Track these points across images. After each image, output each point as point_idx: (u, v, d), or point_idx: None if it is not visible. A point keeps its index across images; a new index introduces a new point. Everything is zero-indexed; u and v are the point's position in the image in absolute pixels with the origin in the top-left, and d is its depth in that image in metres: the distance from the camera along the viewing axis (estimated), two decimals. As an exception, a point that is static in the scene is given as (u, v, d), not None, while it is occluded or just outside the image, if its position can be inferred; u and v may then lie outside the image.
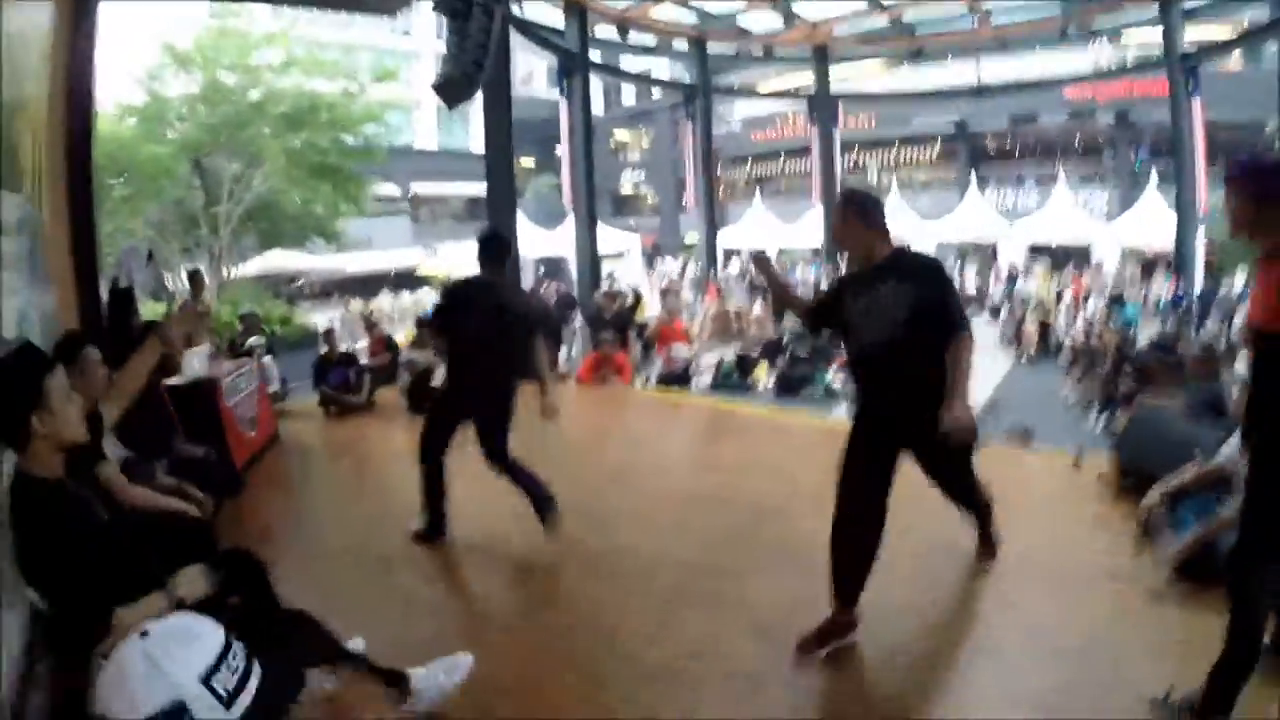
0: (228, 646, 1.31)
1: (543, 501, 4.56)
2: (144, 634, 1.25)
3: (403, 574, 4.34)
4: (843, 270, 22.41)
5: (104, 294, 5.94)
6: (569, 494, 5.63)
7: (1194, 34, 18.40)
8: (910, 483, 3.48)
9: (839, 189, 22.72)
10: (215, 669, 1.26)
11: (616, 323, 11.64)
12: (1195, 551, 3.64)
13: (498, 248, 4.99)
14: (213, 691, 1.25)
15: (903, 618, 3.62)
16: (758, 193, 31.78)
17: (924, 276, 3.36)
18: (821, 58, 21.83)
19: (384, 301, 25.29)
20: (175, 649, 1.25)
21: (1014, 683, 3.10)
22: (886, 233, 3.46)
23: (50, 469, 2.25)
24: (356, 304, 24.51)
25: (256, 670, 1.33)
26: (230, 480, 5.27)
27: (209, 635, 1.29)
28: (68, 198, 5.35)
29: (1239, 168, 2.59)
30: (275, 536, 4.84)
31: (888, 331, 3.27)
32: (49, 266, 4.48)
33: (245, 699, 1.27)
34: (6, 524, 2.19)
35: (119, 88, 16.97)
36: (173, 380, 5.78)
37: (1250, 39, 19.38)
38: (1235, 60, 24.46)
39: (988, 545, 4.05)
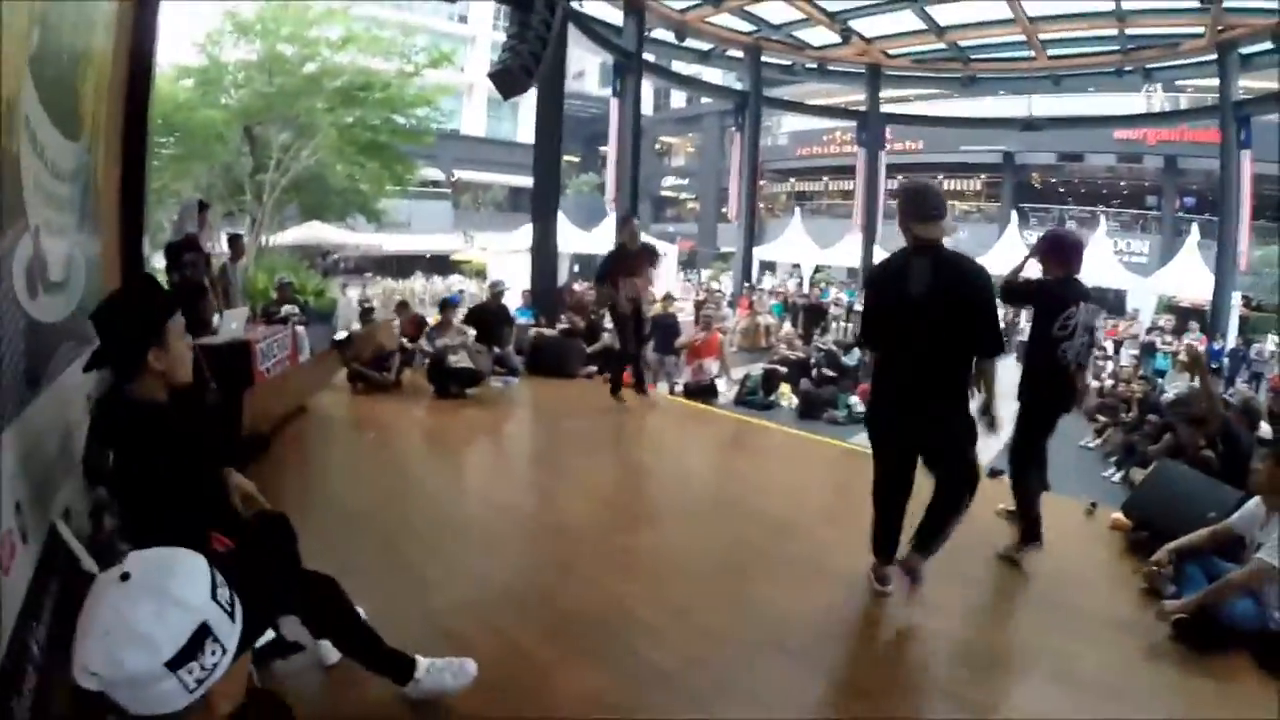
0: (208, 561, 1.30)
1: None
2: (125, 576, 1.18)
3: (412, 549, 4.35)
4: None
5: (149, 249, 6.02)
6: (594, 490, 5.72)
7: (1249, 83, 18.16)
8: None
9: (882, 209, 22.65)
10: (214, 584, 1.25)
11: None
12: (1196, 614, 3.56)
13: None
14: (220, 606, 1.23)
15: (903, 646, 3.61)
16: (797, 210, 31.69)
17: None
18: (874, 76, 21.75)
19: (416, 284, 25.46)
20: (174, 577, 1.21)
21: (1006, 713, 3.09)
22: None
23: (158, 398, 2.38)
24: (389, 283, 24.76)
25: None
26: (258, 440, 5.33)
27: (190, 556, 1.27)
28: (122, 151, 5.42)
29: None
30: (291, 500, 4.89)
31: None
32: (98, 215, 4.54)
33: (239, 611, 1.27)
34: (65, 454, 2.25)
35: (178, 49, 17.16)
36: (207, 339, 5.81)
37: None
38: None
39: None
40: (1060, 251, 4.68)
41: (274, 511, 2.91)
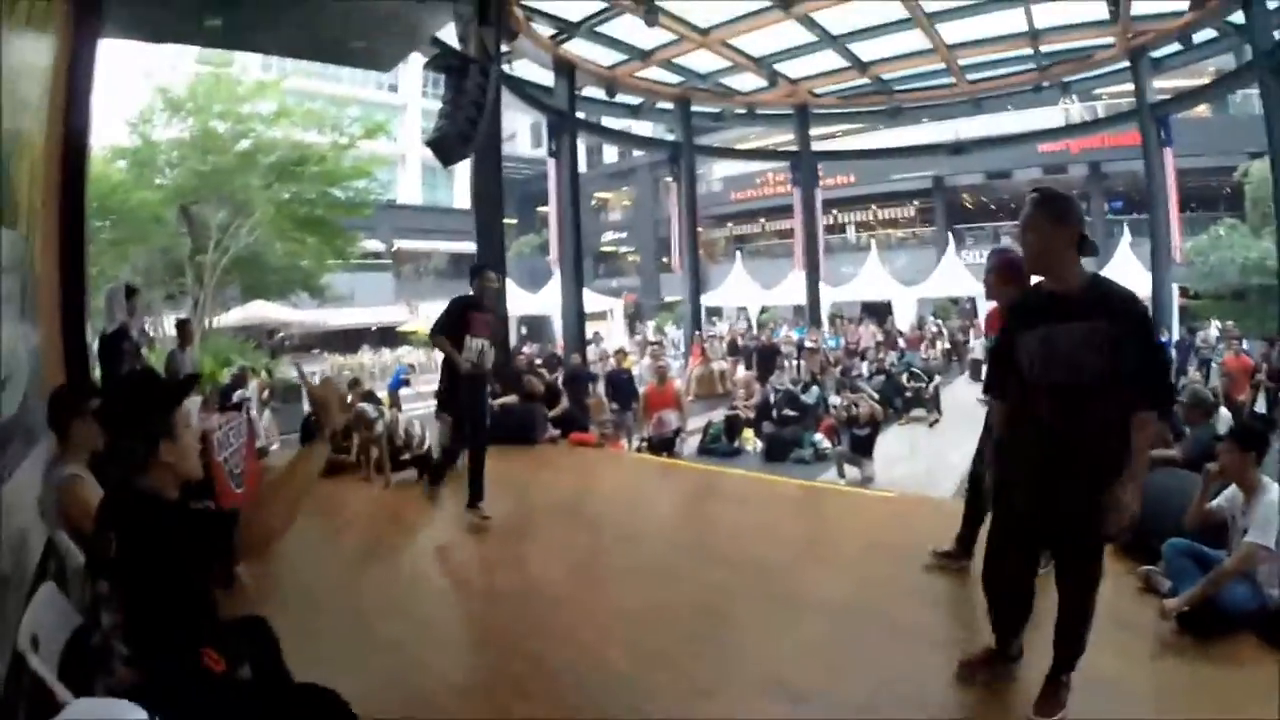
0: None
1: None
2: None
3: (390, 628, 4.24)
4: (825, 332, 22.23)
5: (90, 336, 5.85)
6: (567, 552, 5.61)
7: (1164, 84, 18.84)
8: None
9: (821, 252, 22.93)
10: None
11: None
12: (1198, 605, 3.64)
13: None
14: None
15: (899, 660, 3.55)
16: (738, 254, 32.06)
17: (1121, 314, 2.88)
18: (803, 116, 22.12)
19: (365, 357, 25.21)
20: None
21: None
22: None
23: (167, 494, 2.27)
24: (337, 359, 24.50)
25: None
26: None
27: (126, 712, 1.18)
28: (59, 237, 5.28)
29: None
30: (263, 601, 4.68)
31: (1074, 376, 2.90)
32: (37, 305, 4.39)
33: None
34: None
35: (110, 129, 16.95)
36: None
37: (1217, 86, 19.65)
38: (1204, 108, 25.10)
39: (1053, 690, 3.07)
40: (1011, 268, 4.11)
41: (252, 616, 2.78)
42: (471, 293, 6.47)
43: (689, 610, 4.34)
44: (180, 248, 18.50)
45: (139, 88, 17.57)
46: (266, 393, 12.12)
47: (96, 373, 6.40)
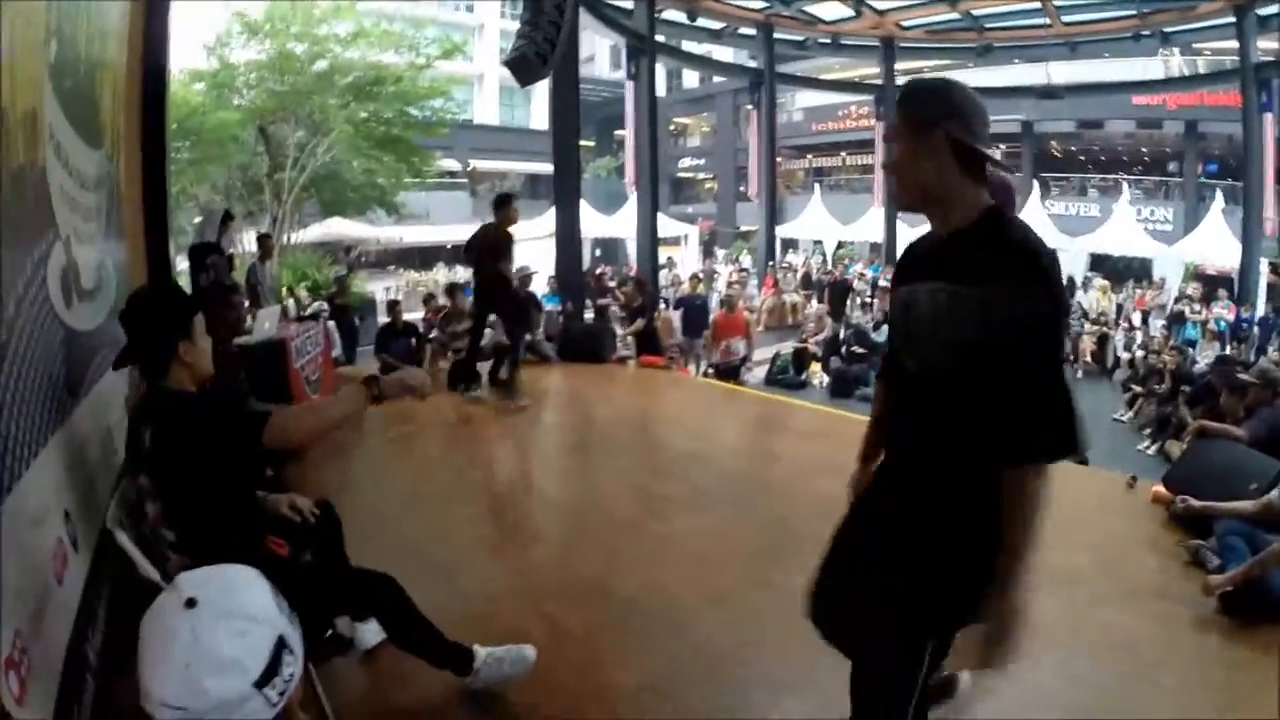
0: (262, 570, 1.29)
1: None
2: (190, 603, 1.14)
3: (454, 539, 4.39)
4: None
5: (173, 252, 6.08)
6: (630, 476, 5.71)
7: (1269, 45, 17.66)
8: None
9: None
10: (274, 593, 1.24)
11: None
12: (1242, 585, 3.52)
13: None
14: (286, 614, 1.22)
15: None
16: (816, 187, 31.44)
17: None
18: (889, 49, 21.50)
19: (439, 275, 25.54)
20: (242, 593, 1.19)
21: (1050, 688, 3.05)
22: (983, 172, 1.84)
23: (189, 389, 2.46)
24: (412, 275, 24.86)
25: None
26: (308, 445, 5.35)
27: (245, 570, 1.26)
28: (142, 158, 5.47)
29: None
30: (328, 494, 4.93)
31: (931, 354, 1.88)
32: (123, 222, 4.58)
33: (296, 618, 1.26)
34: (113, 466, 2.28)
35: (188, 54, 17.25)
36: (242, 339, 5.85)
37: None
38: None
39: None
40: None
41: (318, 499, 2.97)
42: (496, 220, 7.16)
43: (749, 544, 4.39)
44: (258, 166, 18.85)
45: (216, 12, 17.71)
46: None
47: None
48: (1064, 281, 1.72)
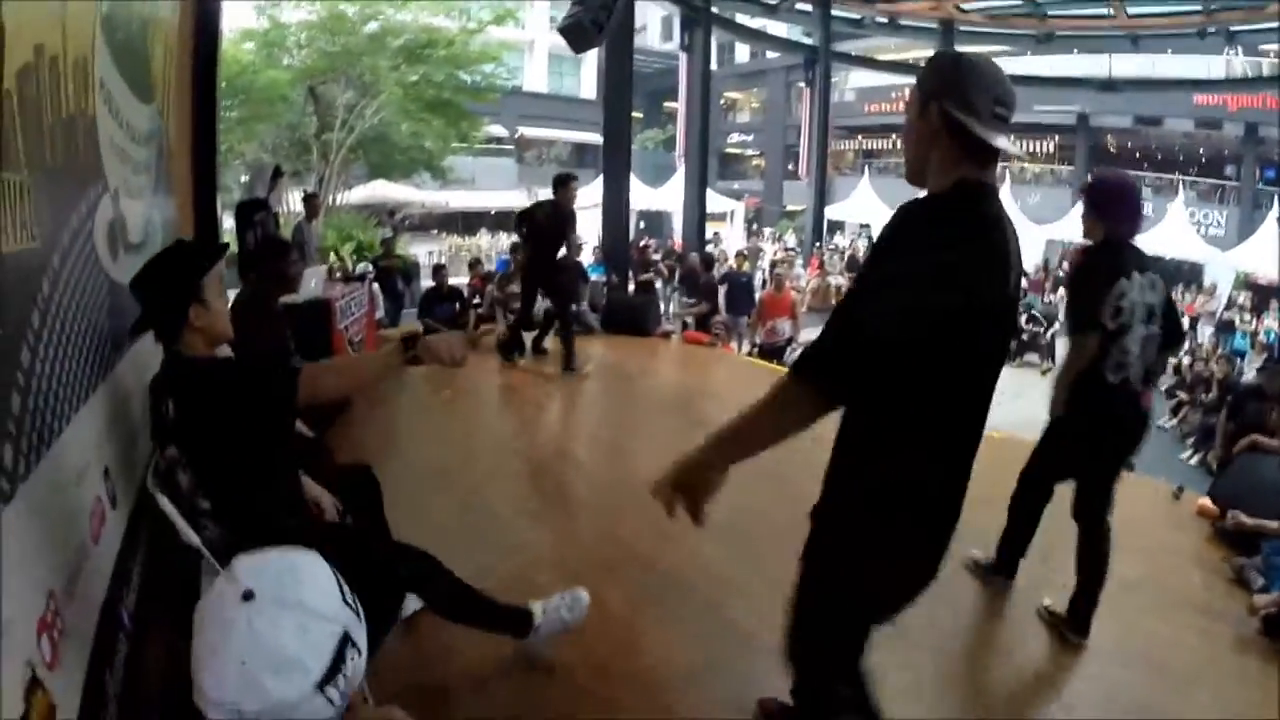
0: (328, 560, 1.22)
1: None
2: (248, 595, 1.07)
3: (496, 507, 4.38)
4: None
5: (220, 209, 6.08)
6: (674, 450, 5.65)
7: None
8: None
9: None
10: (340, 584, 1.17)
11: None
12: None
13: None
14: (350, 607, 1.15)
15: (996, 624, 3.55)
16: (865, 169, 31.03)
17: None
18: (948, 32, 21.09)
19: (483, 240, 25.58)
20: (305, 586, 1.12)
21: (1084, 695, 3.01)
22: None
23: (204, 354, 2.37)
24: (455, 240, 24.93)
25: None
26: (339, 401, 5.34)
27: (309, 558, 1.18)
28: (192, 114, 5.46)
29: None
30: (371, 459, 4.95)
31: None
32: (172, 177, 4.58)
33: (360, 609, 1.19)
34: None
35: (240, 13, 17.19)
36: (289, 298, 5.84)
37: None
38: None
39: None
40: (1115, 203, 3.22)
41: (358, 464, 2.92)
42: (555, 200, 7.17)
43: (793, 523, 4.33)
44: (306, 126, 18.91)
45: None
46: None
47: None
48: (959, 264, 1.59)
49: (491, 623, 2.66)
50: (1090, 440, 3.22)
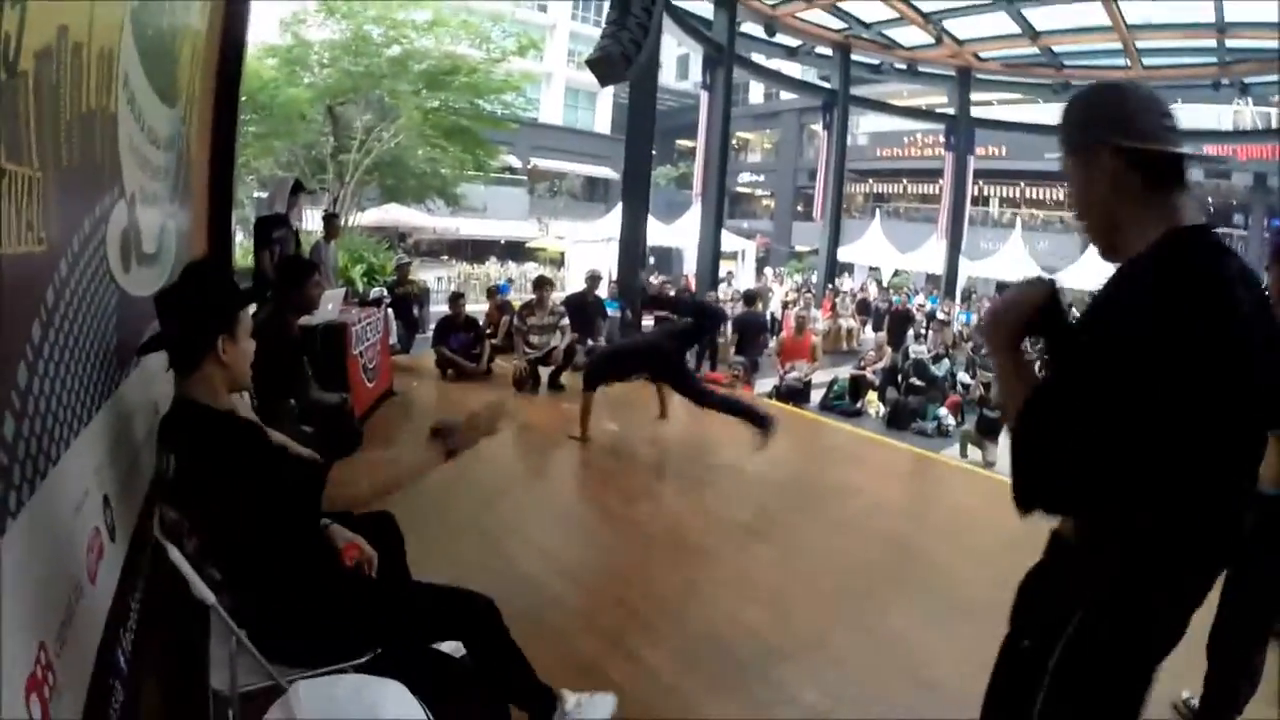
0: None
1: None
2: None
3: (522, 555, 4.21)
4: (958, 306, 21.24)
5: (235, 223, 5.92)
6: (700, 497, 5.50)
7: None
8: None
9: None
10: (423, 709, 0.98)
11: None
12: None
13: None
14: None
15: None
16: (876, 212, 31.08)
17: None
18: (965, 79, 21.14)
19: (491, 268, 25.52)
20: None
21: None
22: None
23: (219, 402, 2.11)
24: (464, 267, 24.88)
25: None
26: (353, 435, 5.09)
27: (383, 689, 1.00)
28: (213, 123, 5.30)
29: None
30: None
31: None
32: (189, 186, 4.41)
33: None
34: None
35: (264, 29, 17.17)
36: (304, 319, 5.65)
37: None
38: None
39: None
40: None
41: (380, 511, 2.70)
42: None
43: (827, 580, 4.21)
44: (323, 145, 18.83)
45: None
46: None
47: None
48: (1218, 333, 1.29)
49: (519, 694, 2.42)
50: None
